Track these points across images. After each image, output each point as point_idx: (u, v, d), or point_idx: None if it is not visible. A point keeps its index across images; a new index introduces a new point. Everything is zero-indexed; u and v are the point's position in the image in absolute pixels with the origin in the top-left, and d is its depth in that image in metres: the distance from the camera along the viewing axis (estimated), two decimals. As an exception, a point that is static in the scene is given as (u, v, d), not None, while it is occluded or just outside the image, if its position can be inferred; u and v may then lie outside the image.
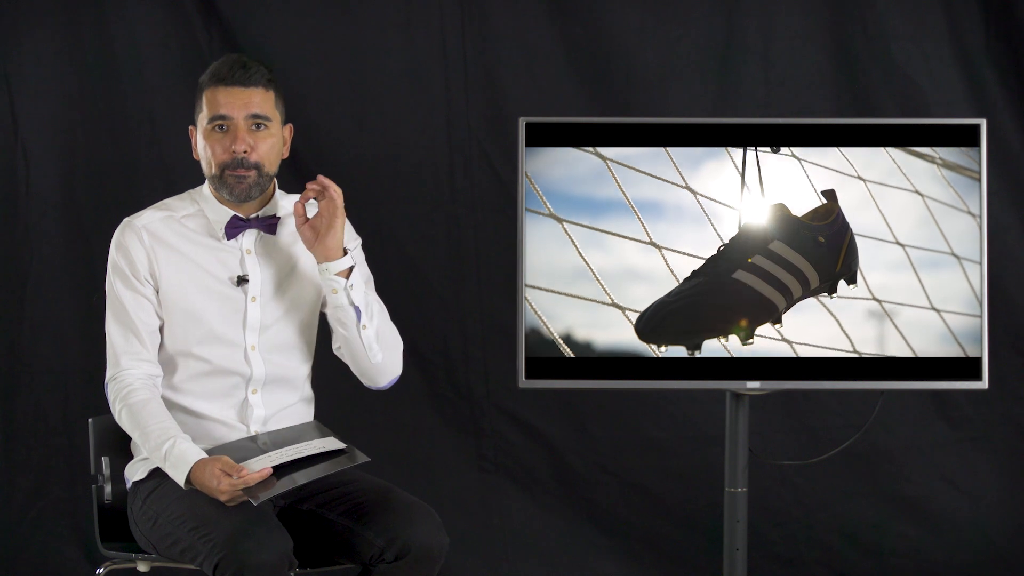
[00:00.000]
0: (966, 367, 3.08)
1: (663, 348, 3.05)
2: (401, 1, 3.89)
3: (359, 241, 2.87)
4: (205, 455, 2.59)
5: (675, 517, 3.98)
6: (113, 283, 2.74)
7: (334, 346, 2.81)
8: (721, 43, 3.93)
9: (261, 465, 2.55)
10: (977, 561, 3.95)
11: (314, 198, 2.71)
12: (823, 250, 3.05)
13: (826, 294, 3.06)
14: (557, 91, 3.91)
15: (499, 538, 3.95)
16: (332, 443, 2.67)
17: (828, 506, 3.99)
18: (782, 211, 3.05)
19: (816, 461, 3.42)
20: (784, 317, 3.05)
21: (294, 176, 3.65)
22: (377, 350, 2.75)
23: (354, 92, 3.90)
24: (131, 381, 2.69)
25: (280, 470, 2.57)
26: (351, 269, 2.71)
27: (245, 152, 2.68)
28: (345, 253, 2.70)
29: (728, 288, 3.03)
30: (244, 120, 2.69)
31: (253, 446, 2.66)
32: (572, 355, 3.05)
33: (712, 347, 3.06)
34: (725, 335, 3.04)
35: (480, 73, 3.91)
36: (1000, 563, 3.95)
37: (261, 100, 2.70)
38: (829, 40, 3.94)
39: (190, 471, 2.58)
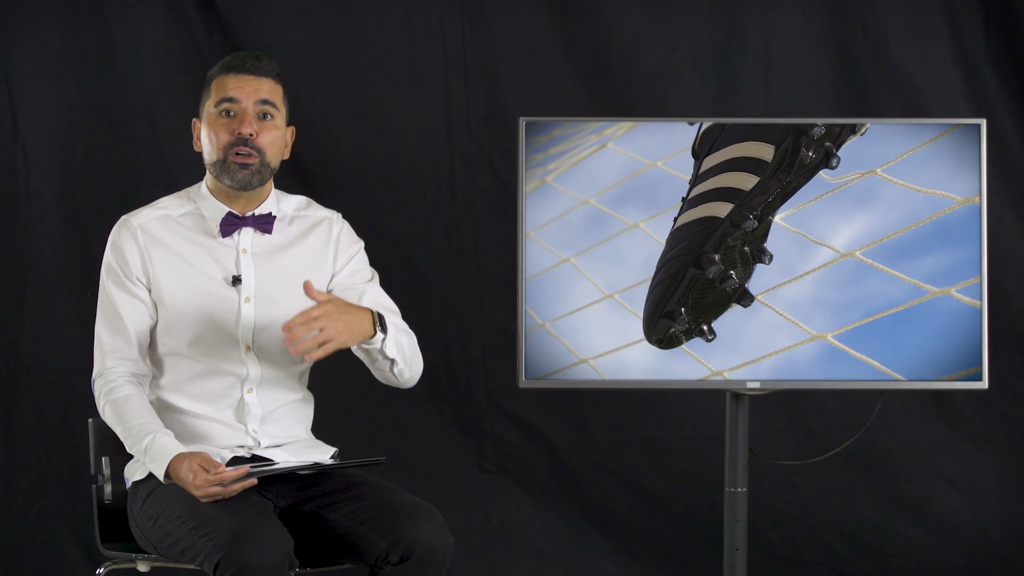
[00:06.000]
0: (966, 367, 3.08)
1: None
2: (401, 1, 3.89)
3: (361, 244, 2.87)
4: (185, 449, 2.60)
5: (675, 517, 3.97)
6: (105, 282, 2.75)
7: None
8: (721, 43, 3.93)
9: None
10: (977, 561, 3.95)
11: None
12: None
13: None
14: (557, 91, 3.91)
15: (499, 538, 3.95)
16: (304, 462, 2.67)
17: (828, 506, 3.99)
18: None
19: (816, 461, 3.42)
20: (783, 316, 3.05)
21: (295, 176, 3.66)
22: (408, 376, 2.76)
23: (354, 92, 3.90)
24: (115, 378, 2.70)
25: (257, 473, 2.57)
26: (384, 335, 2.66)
27: (251, 135, 2.68)
28: (375, 332, 2.63)
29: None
30: (253, 106, 2.70)
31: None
32: (575, 354, 3.06)
33: (713, 347, 3.06)
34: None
35: (480, 73, 3.91)
36: (1000, 563, 3.95)
37: (271, 89, 2.72)
38: (829, 40, 3.94)
39: (169, 465, 2.58)
